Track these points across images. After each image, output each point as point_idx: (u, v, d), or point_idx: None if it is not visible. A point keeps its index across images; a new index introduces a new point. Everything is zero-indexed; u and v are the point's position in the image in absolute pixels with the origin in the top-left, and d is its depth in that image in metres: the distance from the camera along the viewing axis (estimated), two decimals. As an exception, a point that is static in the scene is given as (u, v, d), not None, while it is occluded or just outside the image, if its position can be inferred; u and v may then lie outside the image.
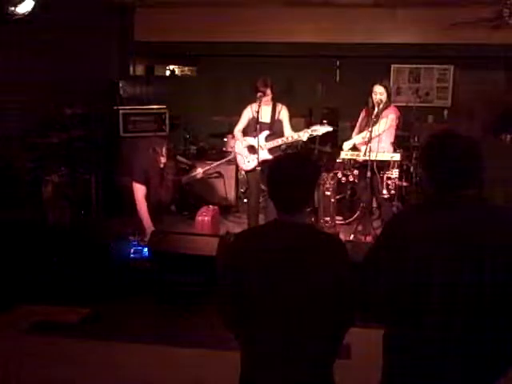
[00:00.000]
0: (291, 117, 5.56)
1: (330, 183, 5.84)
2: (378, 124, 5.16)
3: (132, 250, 5.08)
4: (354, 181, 5.82)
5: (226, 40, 7.79)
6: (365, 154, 5.14)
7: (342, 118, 7.69)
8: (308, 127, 5.43)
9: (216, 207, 5.93)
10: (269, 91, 5.25)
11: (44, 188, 5.67)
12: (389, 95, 5.28)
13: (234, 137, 5.71)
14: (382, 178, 5.26)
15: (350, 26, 7.56)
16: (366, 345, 2.98)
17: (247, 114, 5.45)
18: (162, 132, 6.82)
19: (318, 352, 1.95)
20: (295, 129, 5.48)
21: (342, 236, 5.42)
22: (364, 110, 5.49)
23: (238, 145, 5.54)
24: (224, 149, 7.15)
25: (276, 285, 1.93)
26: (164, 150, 5.21)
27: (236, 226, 6.25)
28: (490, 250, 1.81)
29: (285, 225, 2.02)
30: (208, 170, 6.25)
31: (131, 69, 8.49)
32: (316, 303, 1.91)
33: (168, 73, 9.60)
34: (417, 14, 7.38)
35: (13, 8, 5.11)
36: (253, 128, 5.33)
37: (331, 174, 5.90)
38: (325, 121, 5.47)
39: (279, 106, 5.41)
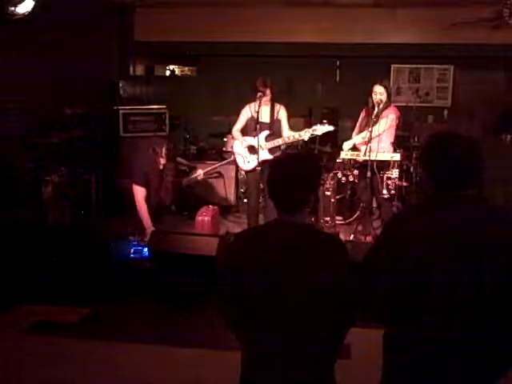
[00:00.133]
0: (291, 117, 5.56)
1: (329, 183, 5.85)
2: (377, 124, 5.16)
3: (132, 250, 5.08)
4: (353, 181, 5.81)
5: (225, 40, 7.79)
6: (365, 153, 5.14)
7: (341, 118, 7.68)
8: (308, 127, 5.43)
9: (216, 207, 5.93)
10: (268, 91, 5.25)
11: (44, 188, 5.67)
12: (389, 95, 5.28)
13: (233, 137, 5.71)
14: (381, 177, 5.26)
15: (350, 26, 7.56)
16: (366, 345, 2.98)
17: (245, 113, 5.45)
18: (162, 132, 6.82)
19: (318, 352, 1.95)
20: (295, 129, 5.48)
21: (342, 236, 5.42)
22: (364, 110, 5.49)
23: (238, 145, 5.54)
24: (224, 149, 7.15)
25: (276, 285, 1.93)
26: (164, 150, 5.21)
27: (236, 225, 6.25)
28: (490, 250, 1.81)
29: (285, 225, 2.02)
30: (208, 171, 6.25)
31: (131, 69, 8.49)
32: (316, 303, 1.91)
33: (168, 73, 9.60)
34: (417, 13, 7.39)
35: (13, 8, 5.11)
36: (252, 128, 5.34)
37: (331, 174, 5.91)
38: (325, 121, 5.47)
39: (277, 106, 5.41)
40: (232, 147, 5.72)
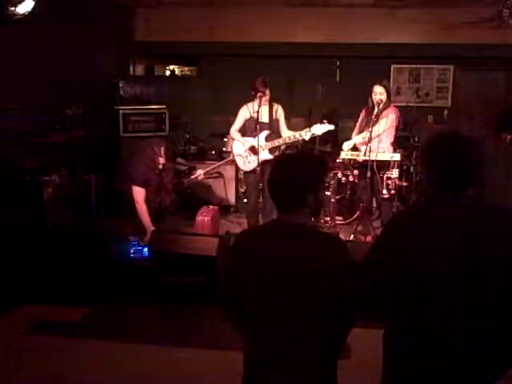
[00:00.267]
0: (291, 117, 5.57)
1: (329, 183, 5.85)
2: (378, 124, 5.17)
3: (132, 250, 5.09)
4: (353, 181, 5.81)
5: (226, 40, 7.80)
6: (365, 153, 5.14)
7: (342, 118, 7.68)
8: (308, 127, 5.43)
9: (216, 207, 5.93)
10: (268, 91, 5.26)
11: (44, 188, 5.66)
12: (389, 95, 5.29)
13: (232, 137, 5.71)
14: (381, 177, 5.26)
15: (350, 25, 7.57)
16: (366, 345, 2.98)
17: (243, 113, 5.45)
18: (162, 132, 6.82)
19: (319, 353, 1.95)
20: (295, 129, 5.48)
21: (342, 236, 5.42)
22: (364, 110, 5.49)
23: (237, 146, 5.53)
24: (224, 149, 7.15)
25: (276, 285, 1.93)
26: (163, 150, 5.20)
27: (236, 226, 6.25)
28: (491, 250, 1.81)
29: (285, 225, 2.02)
30: (209, 171, 6.25)
31: (131, 69, 8.49)
32: (316, 303, 1.91)
33: (168, 73, 9.59)
34: (417, 14, 7.39)
35: (13, 8, 5.10)
36: (252, 128, 5.34)
37: (331, 174, 5.91)
38: (325, 120, 5.46)
39: (275, 106, 5.43)
40: (232, 148, 5.72)
